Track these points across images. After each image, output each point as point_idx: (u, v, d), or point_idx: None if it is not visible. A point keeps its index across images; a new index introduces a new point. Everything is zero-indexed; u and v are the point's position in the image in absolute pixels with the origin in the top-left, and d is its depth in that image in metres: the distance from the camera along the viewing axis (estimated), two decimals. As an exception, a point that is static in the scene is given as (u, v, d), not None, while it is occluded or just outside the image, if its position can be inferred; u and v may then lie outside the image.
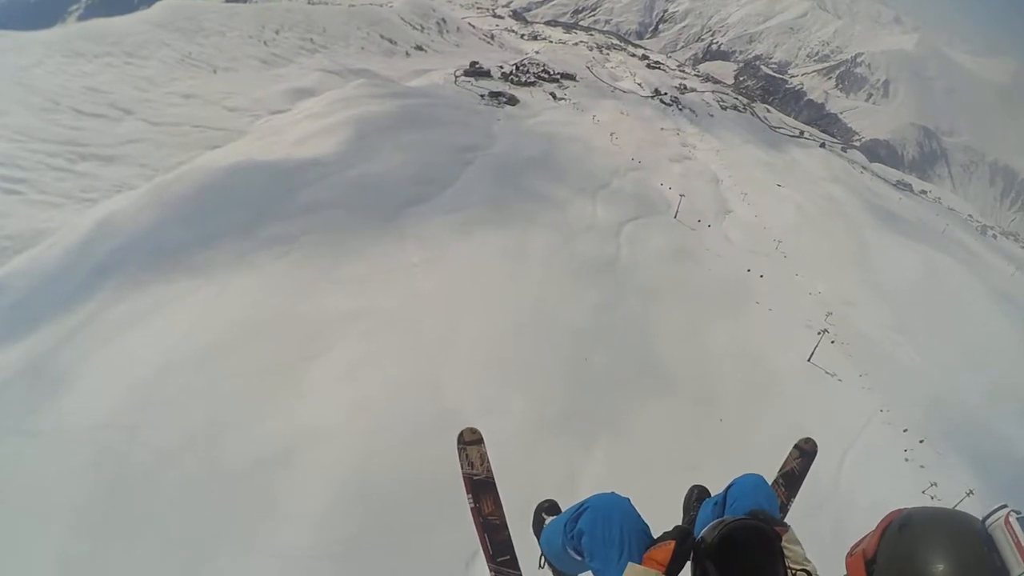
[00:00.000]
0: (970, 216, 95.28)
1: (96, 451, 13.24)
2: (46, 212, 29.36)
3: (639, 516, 3.18)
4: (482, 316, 19.43)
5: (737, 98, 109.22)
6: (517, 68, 71.91)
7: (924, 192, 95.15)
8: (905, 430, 20.35)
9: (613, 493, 3.33)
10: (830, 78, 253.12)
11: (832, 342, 24.81)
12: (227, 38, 60.43)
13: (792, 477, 4.44)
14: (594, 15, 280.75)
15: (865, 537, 2.04)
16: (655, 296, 24.21)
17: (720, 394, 19.17)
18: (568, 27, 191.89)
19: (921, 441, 20.06)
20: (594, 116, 55.40)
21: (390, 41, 77.89)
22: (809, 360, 23.27)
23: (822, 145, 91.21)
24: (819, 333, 24.47)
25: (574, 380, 17.54)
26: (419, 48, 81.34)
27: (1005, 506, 1.73)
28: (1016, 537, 1.62)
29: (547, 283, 22.56)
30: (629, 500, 3.27)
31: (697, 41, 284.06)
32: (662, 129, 59.36)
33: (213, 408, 14.55)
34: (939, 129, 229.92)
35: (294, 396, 15.24)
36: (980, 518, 1.79)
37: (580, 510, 3.27)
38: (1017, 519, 1.66)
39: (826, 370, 23.00)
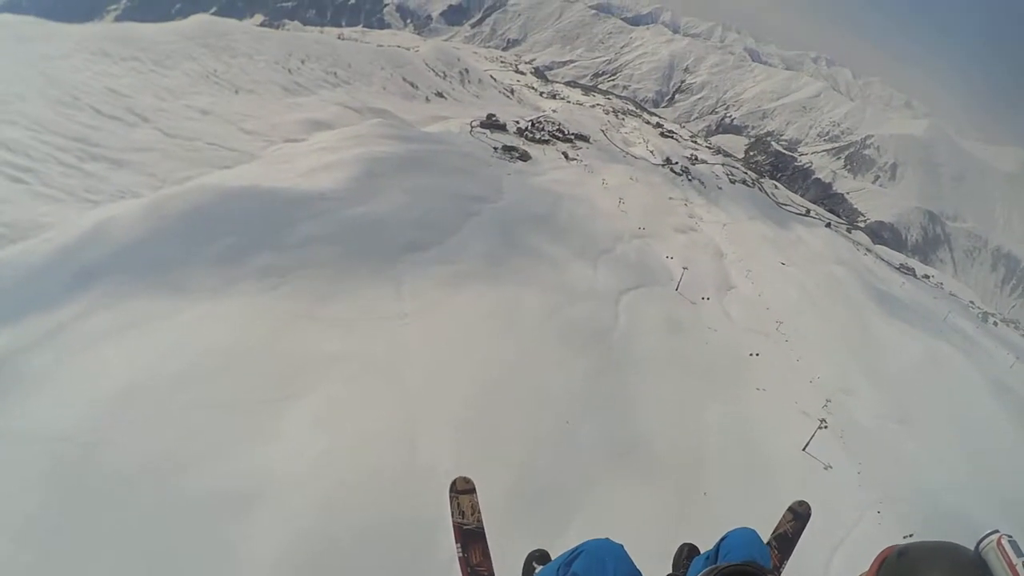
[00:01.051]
0: (971, 303, 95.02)
1: (52, 462, 12.76)
2: (48, 206, 29.12)
3: (632, 562, 3.20)
4: (468, 375, 18.74)
5: (746, 172, 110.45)
6: (533, 124, 72.70)
7: (927, 276, 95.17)
8: (907, 536, 19.44)
9: (607, 539, 3.32)
10: (839, 158, 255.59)
11: (827, 428, 24.07)
12: (253, 61, 61.26)
13: (785, 539, 4.43)
14: (613, 79, 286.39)
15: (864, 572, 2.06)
16: (650, 370, 23.57)
17: (708, 480, 18.45)
18: (587, 89, 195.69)
19: (911, 535, 19.21)
20: (604, 180, 55.65)
21: (412, 84, 79.10)
22: (804, 449, 22.59)
23: (828, 225, 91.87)
24: (819, 423, 23.82)
25: (556, 453, 16.80)
26: (439, 95, 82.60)
27: (997, 531, 1.79)
28: (1008, 557, 1.68)
29: (539, 347, 21.94)
30: (622, 546, 3.28)
31: (711, 113, 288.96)
32: (670, 198, 59.60)
33: (178, 438, 13.95)
34: (943, 214, 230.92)
35: (263, 437, 14.59)
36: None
37: (574, 555, 3.24)
38: (1008, 541, 1.73)
39: (821, 460, 22.33)
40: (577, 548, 3.27)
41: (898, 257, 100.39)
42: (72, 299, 19.02)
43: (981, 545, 1.78)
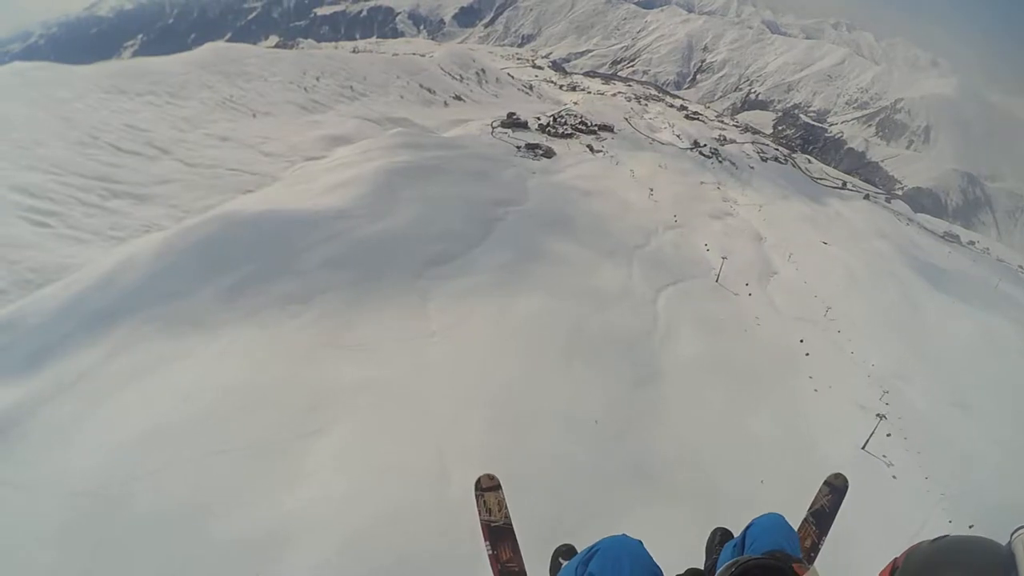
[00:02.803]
0: (1020, 267, 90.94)
1: (74, 515, 12.48)
2: (73, 247, 29.18)
3: (650, 558, 3.06)
4: (499, 398, 17.68)
5: (777, 149, 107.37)
6: (554, 119, 71.18)
7: (972, 243, 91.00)
8: (971, 526, 18.00)
9: (624, 535, 3.22)
10: (870, 125, 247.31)
11: (888, 435, 22.34)
12: (268, 83, 61.34)
13: (823, 515, 4.36)
14: (632, 66, 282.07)
15: None
16: (693, 376, 22.16)
17: (763, 493, 17.05)
18: (607, 78, 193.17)
19: (971, 527, 17.83)
20: (632, 170, 53.92)
21: (429, 91, 78.50)
22: (863, 448, 21.08)
23: (866, 196, 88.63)
24: (877, 417, 22.18)
25: (595, 477, 15.68)
26: (458, 98, 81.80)
27: None
28: None
29: (573, 361, 20.72)
30: (641, 543, 3.17)
31: (735, 91, 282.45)
32: (702, 183, 57.55)
33: (199, 486, 13.44)
34: (982, 174, 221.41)
35: (287, 478, 13.95)
36: None
37: (591, 553, 3.12)
38: None
39: (882, 458, 20.81)
40: (594, 546, 3.14)
41: (940, 225, 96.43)
42: (94, 343, 18.82)
43: (1013, 536, 1.70)
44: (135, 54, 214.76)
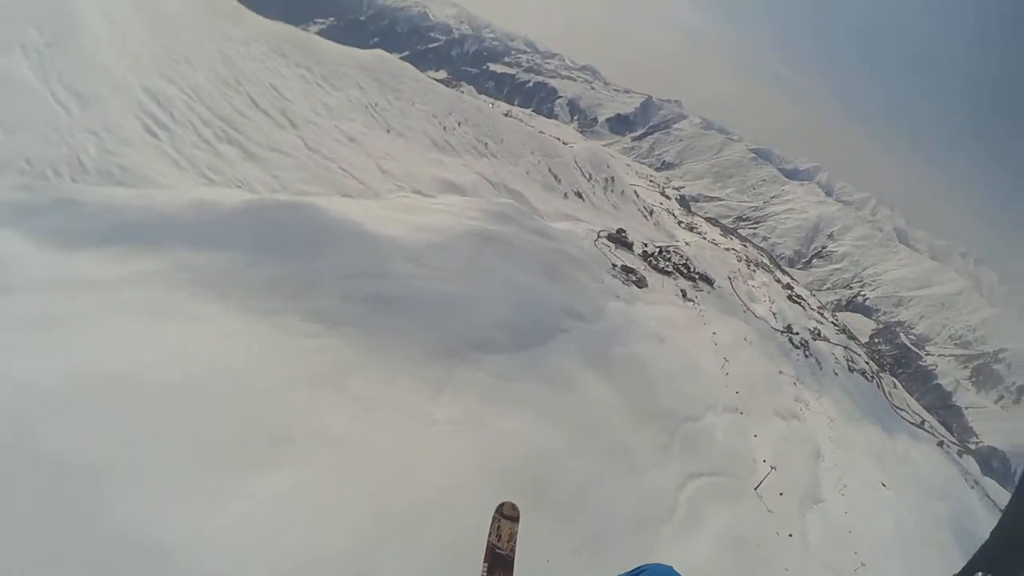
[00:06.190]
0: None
1: None
2: (167, 167, 29.88)
3: None
4: (463, 543, 14.71)
5: (867, 362, 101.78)
6: (660, 251, 69.31)
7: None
8: None
9: (671, 567, 3.55)
10: (966, 367, 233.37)
11: None
12: (414, 108, 63.03)
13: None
14: (755, 228, 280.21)
15: None
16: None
17: None
18: (726, 230, 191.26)
19: None
20: (714, 332, 50.92)
21: (555, 177, 78.82)
22: None
23: (940, 443, 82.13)
24: None
25: None
26: (579, 195, 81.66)
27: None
28: None
29: (569, 531, 17.45)
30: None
31: (845, 287, 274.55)
32: (780, 372, 53.99)
33: (114, 455, 11.59)
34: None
35: (211, 493, 11.92)
36: None
37: (636, 573, 3.48)
38: None
39: None
40: (638, 568, 3.45)
41: (1004, 496, 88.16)
42: (123, 259, 19.10)
43: None
44: (320, 32, 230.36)
